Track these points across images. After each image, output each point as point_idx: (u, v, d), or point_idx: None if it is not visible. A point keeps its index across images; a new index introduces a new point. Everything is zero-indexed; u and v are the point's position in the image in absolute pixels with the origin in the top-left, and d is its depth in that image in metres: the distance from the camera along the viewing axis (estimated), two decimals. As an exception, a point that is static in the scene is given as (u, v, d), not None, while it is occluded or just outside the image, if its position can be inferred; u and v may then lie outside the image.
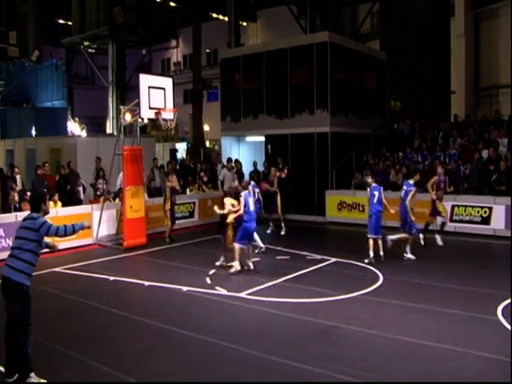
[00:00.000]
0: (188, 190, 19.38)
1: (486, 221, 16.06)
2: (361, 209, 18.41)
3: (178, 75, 41.58)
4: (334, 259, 12.92)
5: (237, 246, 11.69)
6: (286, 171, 18.62)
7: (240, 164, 21.32)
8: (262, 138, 22.19)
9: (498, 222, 15.86)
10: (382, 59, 24.11)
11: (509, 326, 8.13)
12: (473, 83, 28.28)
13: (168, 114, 15.72)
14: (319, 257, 13.13)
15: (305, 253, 13.58)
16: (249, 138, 23.54)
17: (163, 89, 15.81)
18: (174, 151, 34.41)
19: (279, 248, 14.18)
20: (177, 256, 13.85)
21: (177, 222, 16.70)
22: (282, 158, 20.32)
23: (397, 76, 24.69)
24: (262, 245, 13.57)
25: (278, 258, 13.32)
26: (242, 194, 11.89)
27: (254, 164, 21.00)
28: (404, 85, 24.91)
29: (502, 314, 8.75)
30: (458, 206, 16.57)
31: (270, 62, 21.61)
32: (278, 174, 19.92)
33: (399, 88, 24.76)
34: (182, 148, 37.06)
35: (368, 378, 6.41)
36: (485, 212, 16.12)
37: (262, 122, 21.74)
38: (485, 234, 15.81)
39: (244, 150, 24.03)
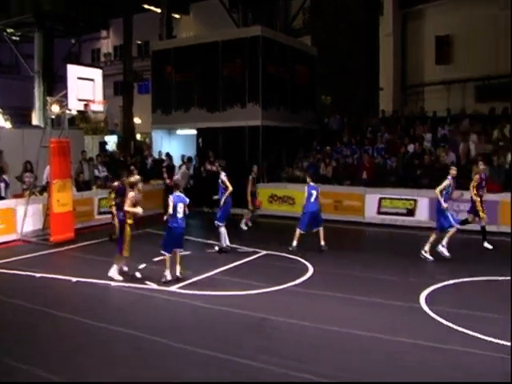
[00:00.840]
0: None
1: (410, 213, 16.61)
2: (291, 202, 18.64)
3: (109, 66, 40.58)
4: (265, 252, 13.01)
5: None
6: (217, 164, 18.57)
7: (171, 158, 21.11)
8: (194, 132, 22.06)
9: (422, 214, 16.47)
10: (313, 54, 24.44)
11: (432, 313, 8.43)
12: (400, 81, 29.04)
13: (97, 106, 15.37)
14: (250, 249, 13.18)
15: (236, 246, 13.59)
16: (180, 131, 23.35)
17: (92, 80, 15.41)
18: (103, 144, 33.66)
19: (210, 241, 14.14)
20: (106, 251, 13.53)
21: (107, 216, 16.34)
22: (214, 151, 20.29)
23: (328, 71, 25.06)
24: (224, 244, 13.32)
25: (209, 251, 13.30)
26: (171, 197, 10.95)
27: (189, 158, 20.84)
28: (334, 80, 25.31)
29: (426, 302, 9.06)
30: (385, 199, 17.05)
31: (202, 55, 21.48)
32: (209, 167, 19.92)
33: (330, 83, 25.15)
34: (111, 141, 36.32)
35: (301, 370, 6.47)
36: (410, 204, 16.67)
37: (194, 115, 21.61)
38: (409, 225, 16.36)
39: (175, 144, 23.82)
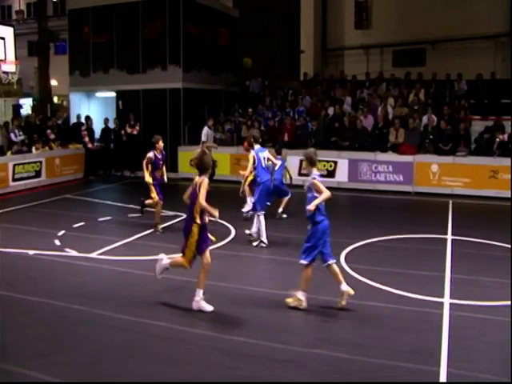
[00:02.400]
0: (34, 148, 18.31)
1: (331, 174, 17.02)
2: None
3: (21, 25, 38.63)
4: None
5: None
6: (137, 128, 18.26)
7: (91, 120, 20.54)
8: (113, 94, 21.50)
9: (341, 175, 16.93)
10: (235, 16, 24.19)
11: (351, 271, 8.74)
12: (321, 44, 29.25)
13: (9, 67, 14.73)
14: (172, 213, 13.12)
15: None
16: (99, 94, 22.68)
17: (3, 39, 14.69)
18: (17, 107, 32.31)
19: (131, 206, 13.97)
20: (23, 218, 13.14)
21: (23, 182, 15.82)
22: (134, 114, 19.90)
23: (249, 34, 24.93)
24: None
25: (130, 215, 13.15)
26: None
27: (105, 121, 20.36)
28: (256, 43, 25.23)
29: (345, 260, 9.39)
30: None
31: (121, 15, 20.81)
32: (129, 130, 19.55)
33: (251, 46, 25.04)
34: (27, 104, 34.91)
35: (219, 329, 6.57)
36: (330, 166, 17.06)
37: (113, 77, 21.02)
38: (330, 186, 16.70)
39: (94, 107, 23.14)
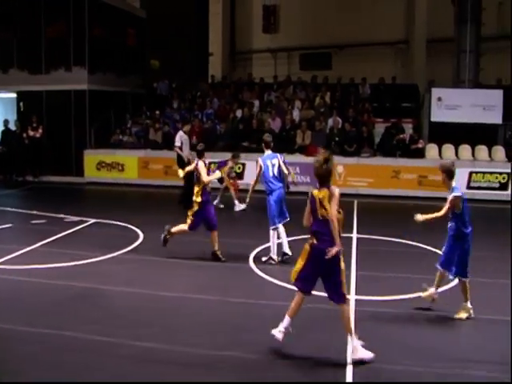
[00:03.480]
0: None
1: (240, 176, 17.12)
2: (120, 168, 18.31)
3: None
4: (93, 220, 12.61)
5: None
6: (40, 130, 17.60)
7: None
8: (14, 95, 20.59)
9: (250, 177, 16.97)
10: (142, 17, 23.85)
11: (260, 272, 8.80)
12: (229, 47, 29.36)
13: None
14: (77, 218, 12.72)
15: (62, 215, 13.03)
16: (-2, 95, 21.67)
17: None
18: None
19: (34, 212, 13.42)
20: None
21: None
22: (37, 116, 19.16)
23: (157, 35, 24.62)
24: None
25: (33, 222, 12.61)
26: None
27: (5, 123, 19.46)
28: (164, 44, 24.96)
29: (254, 262, 9.44)
30: (215, 163, 17.32)
31: (22, 12, 19.92)
32: (32, 133, 18.84)
33: (159, 47, 24.76)
34: None
35: (129, 336, 6.40)
36: (239, 168, 17.16)
37: (13, 77, 20.08)
38: (240, 188, 16.78)
39: (-7, 108, 22.08)
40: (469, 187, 16.40)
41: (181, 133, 15.33)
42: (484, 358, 6.01)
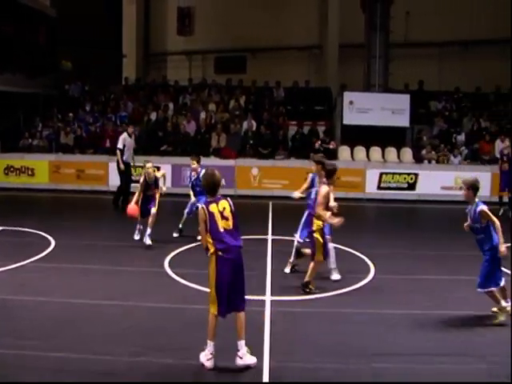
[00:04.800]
0: None
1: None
2: (30, 173, 17.65)
3: None
4: (0, 228, 12.07)
5: None
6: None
7: None
8: None
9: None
10: (53, 16, 23.12)
11: (175, 276, 8.73)
12: (143, 49, 28.98)
13: None
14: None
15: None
16: None
17: None
18: None
19: None
20: None
21: None
22: None
23: (69, 35, 23.95)
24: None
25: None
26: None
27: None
28: (76, 45, 24.32)
29: (169, 265, 9.35)
30: (135, 168, 17.09)
31: None
32: None
33: (71, 48, 24.11)
34: None
35: (45, 348, 6.11)
36: (154, 171, 16.91)
37: None
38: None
39: None
40: (379, 188, 17.00)
41: (124, 135, 14.80)
42: (392, 351, 6.26)
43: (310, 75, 24.34)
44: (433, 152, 18.39)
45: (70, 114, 19.46)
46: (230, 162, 16.91)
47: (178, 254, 10.19)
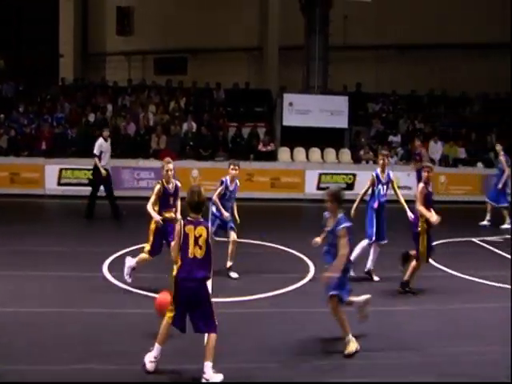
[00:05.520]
0: None
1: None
2: None
3: None
4: None
5: None
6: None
7: None
8: None
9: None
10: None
11: (114, 280, 8.58)
12: (81, 49, 28.42)
13: None
14: None
15: None
16: None
17: None
18: None
19: None
20: None
21: None
22: None
23: (2, 33, 23.24)
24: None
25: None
26: None
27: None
28: (9, 43, 23.63)
29: (108, 269, 9.19)
30: (66, 170, 16.75)
31: None
32: None
33: (3, 46, 23.38)
34: None
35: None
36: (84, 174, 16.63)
37: None
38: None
39: None
40: (318, 188, 17.20)
41: (100, 140, 13.56)
42: (333, 348, 6.37)
43: (251, 77, 24.43)
44: (370, 153, 18.78)
45: (1, 115, 18.75)
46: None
47: (116, 257, 9.98)
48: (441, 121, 21.52)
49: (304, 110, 19.22)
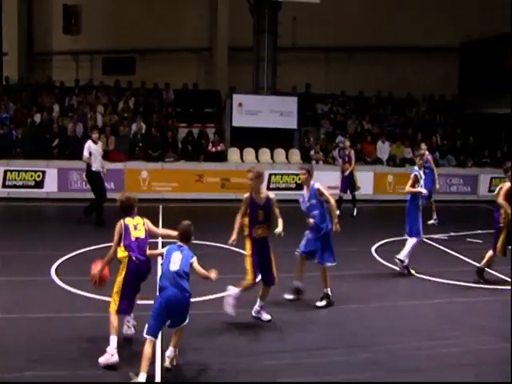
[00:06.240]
0: None
1: (39, 185, 16.29)
2: None
3: None
4: None
5: None
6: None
7: None
8: None
9: (51, 186, 16.33)
10: None
11: (62, 284, 8.42)
12: (26, 47, 27.74)
13: None
14: None
15: None
16: None
17: None
18: None
19: None
20: None
21: None
22: None
23: None
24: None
25: None
26: None
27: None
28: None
29: (56, 273, 9.01)
30: (11, 172, 16.35)
31: None
32: None
33: None
34: None
35: None
36: (38, 176, 16.34)
37: None
38: (38, 197, 16.03)
39: None
40: (268, 188, 17.28)
41: (88, 142, 13.02)
42: (280, 348, 6.46)
43: (200, 77, 24.39)
44: (320, 153, 19.00)
45: None
46: (119, 166, 16.59)
47: (64, 261, 9.81)
48: (388, 121, 21.99)
49: (253, 110, 19.29)
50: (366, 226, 14.76)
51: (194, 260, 5.94)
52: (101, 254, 10.11)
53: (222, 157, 18.29)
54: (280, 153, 19.22)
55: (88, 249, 10.59)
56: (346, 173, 15.68)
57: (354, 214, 15.48)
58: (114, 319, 5.99)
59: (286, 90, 21.56)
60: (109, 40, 25.68)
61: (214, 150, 18.30)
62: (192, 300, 7.54)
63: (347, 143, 16.34)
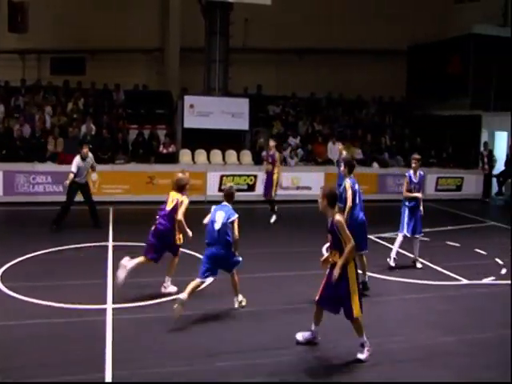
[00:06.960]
0: None
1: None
2: None
3: None
4: None
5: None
6: None
7: None
8: None
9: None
10: None
11: (8, 291, 8.22)
12: None
13: None
14: None
15: None
16: None
17: None
18: None
19: None
20: None
21: None
22: None
23: None
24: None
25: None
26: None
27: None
28: None
29: (0, 280, 8.76)
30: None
31: None
32: None
33: None
34: None
35: None
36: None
37: None
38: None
39: None
40: (220, 190, 17.28)
41: (77, 158, 12.89)
42: (233, 349, 6.50)
43: (151, 78, 24.19)
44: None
45: None
46: (68, 168, 16.26)
47: (9, 267, 9.57)
48: (339, 122, 22.31)
49: (205, 111, 19.27)
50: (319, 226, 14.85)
51: (235, 218, 7.12)
52: (47, 259, 10.11)
53: (173, 158, 18.19)
54: (231, 154, 19.26)
55: (32, 254, 10.38)
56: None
57: (272, 220, 14.50)
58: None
59: (237, 91, 21.62)
60: (57, 39, 25.16)
61: (165, 151, 18.19)
62: (146, 303, 7.55)
63: (272, 143, 14.95)
